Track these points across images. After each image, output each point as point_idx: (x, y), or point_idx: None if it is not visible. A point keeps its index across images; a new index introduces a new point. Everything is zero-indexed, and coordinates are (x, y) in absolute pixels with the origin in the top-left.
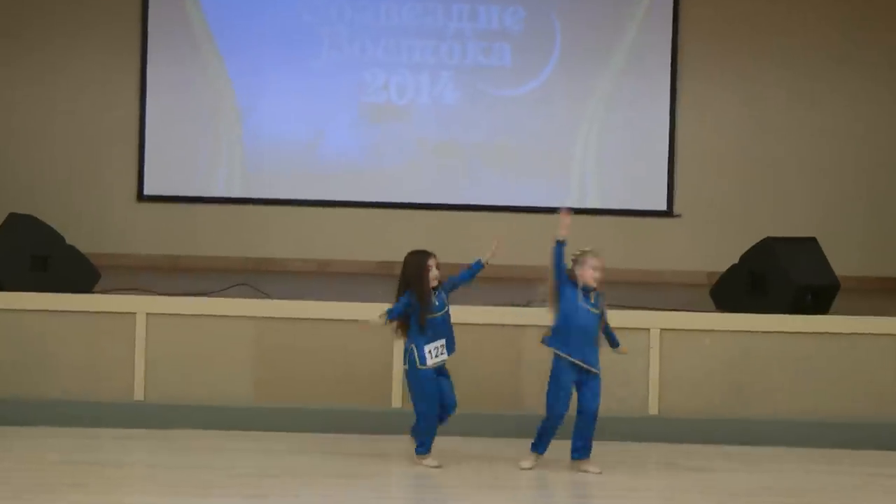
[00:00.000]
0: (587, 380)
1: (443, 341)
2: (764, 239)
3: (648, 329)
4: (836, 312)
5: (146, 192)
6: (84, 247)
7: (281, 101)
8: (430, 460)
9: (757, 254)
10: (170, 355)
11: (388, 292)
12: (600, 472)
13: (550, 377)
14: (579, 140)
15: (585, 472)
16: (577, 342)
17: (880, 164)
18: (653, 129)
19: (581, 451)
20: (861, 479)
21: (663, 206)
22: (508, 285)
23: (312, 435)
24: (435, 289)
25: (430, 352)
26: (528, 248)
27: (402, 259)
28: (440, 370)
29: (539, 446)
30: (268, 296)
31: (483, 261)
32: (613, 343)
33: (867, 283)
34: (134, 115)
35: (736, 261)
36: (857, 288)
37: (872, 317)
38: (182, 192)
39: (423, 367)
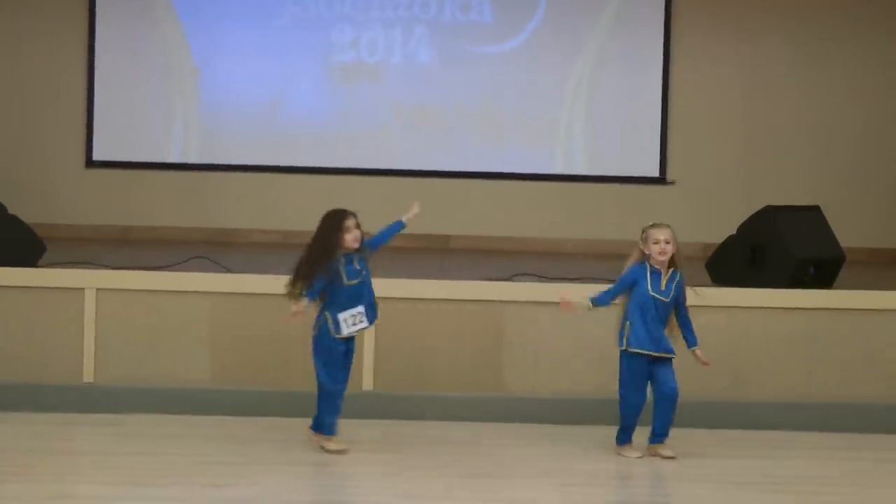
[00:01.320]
0: (662, 364)
1: (361, 309)
2: (764, 208)
3: None
4: (842, 287)
5: (95, 157)
6: (28, 217)
7: (241, 60)
8: (334, 443)
9: (756, 224)
10: (121, 334)
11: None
12: (674, 457)
13: (620, 366)
14: (566, 102)
15: (659, 456)
16: (646, 330)
17: (892, 127)
18: (645, 89)
19: (657, 437)
20: (871, 465)
21: (656, 173)
22: (489, 258)
23: (275, 419)
24: (357, 250)
25: (345, 320)
26: (509, 218)
27: (373, 231)
28: (349, 344)
29: (620, 437)
30: (227, 270)
31: (404, 220)
32: (689, 341)
33: (877, 256)
34: (81, 74)
35: (733, 231)
36: (866, 261)
37: (880, 291)
38: (134, 157)
39: (339, 337)
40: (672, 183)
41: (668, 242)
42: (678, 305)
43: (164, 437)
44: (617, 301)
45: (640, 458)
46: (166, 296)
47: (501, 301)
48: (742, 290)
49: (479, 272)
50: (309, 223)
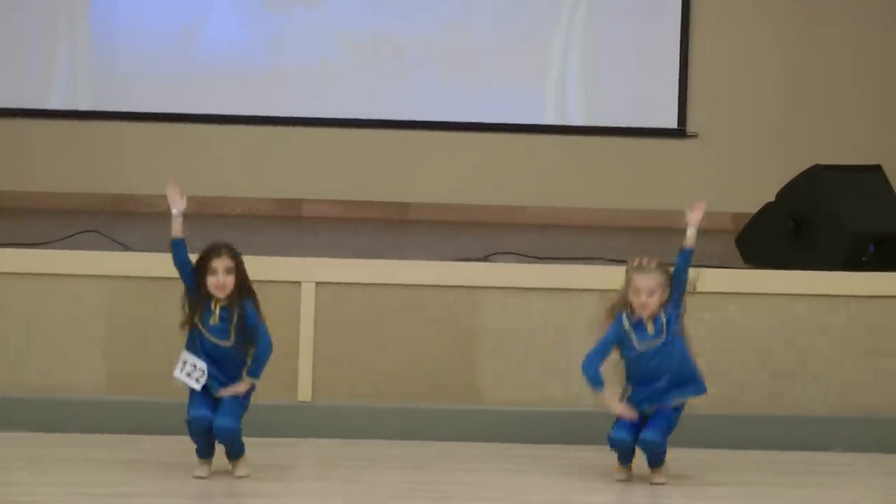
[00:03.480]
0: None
1: (204, 367)
2: (810, 168)
3: None
4: None
5: None
6: None
7: None
8: (200, 468)
9: (800, 188)
10: None
11: (292, 240)
12: (664, 483)
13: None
14: (558, 34)
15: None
16: (640, 389)
17: None
18: (658, 19)
19: (649, 462)
20: None
21: (673, 124)
22: (459, 232)
23: (187, 438)
24: (226, 306)
25: (184, 362)
26: (485, 182)
27: (312, 196)
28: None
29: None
30: (126, 247)
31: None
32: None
33: None
34: None
35: (772, 198)
36: None
37: None
38: (7, 103)
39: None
40: (694, 136)
41: (651, 294)
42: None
43: (39, 461)
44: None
45: (622, 480)
46: (47, 280)
47: (475, 287)
48: (782, 272)
49: (447, 250)
50: (229, 187)
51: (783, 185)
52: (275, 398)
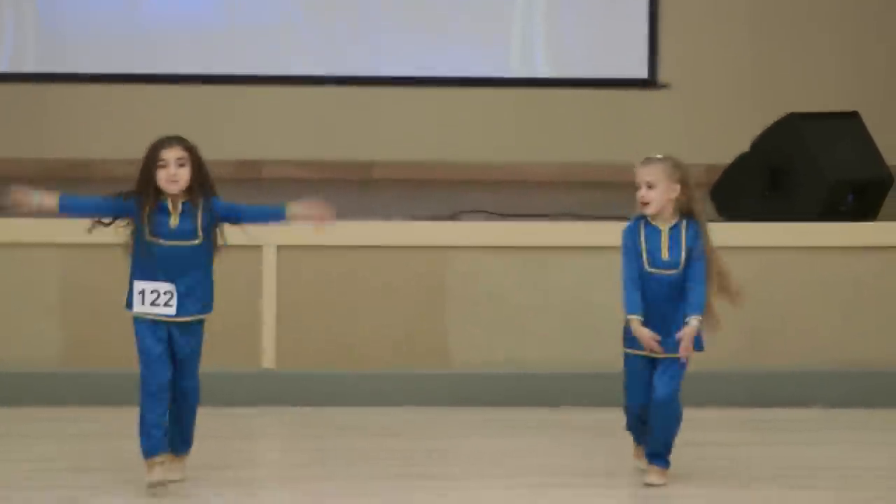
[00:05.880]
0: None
1: (170, 287)
2: (786, 116)
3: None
4: (890, 217)
5: None
6: None
7: None
8: (156, 472)
9: (776, 137)
10: None
11: (252, 203)
12: (662, 484)
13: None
14: None
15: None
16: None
17: None
18: None
19: (649, 456)
20: None
21: (644, 74)
22: (425, 190)
23: None
24: (187, 201)
25: (142, 293)
26: (451, 138)
27: (273, 157)
28: (177, 331)
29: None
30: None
31: (288, 214)
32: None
33: None
34: None
35: (746, 148)
36: None
37: None
38: None
39: (134, 315)
40: (665, 87)
41: (651, 187)
42: (689, 264)
43: None
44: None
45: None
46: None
47: (442, 247)
48: (758, 224)
49: (413, 209)
50: None
51: (758, 134)
52: (238, 366)
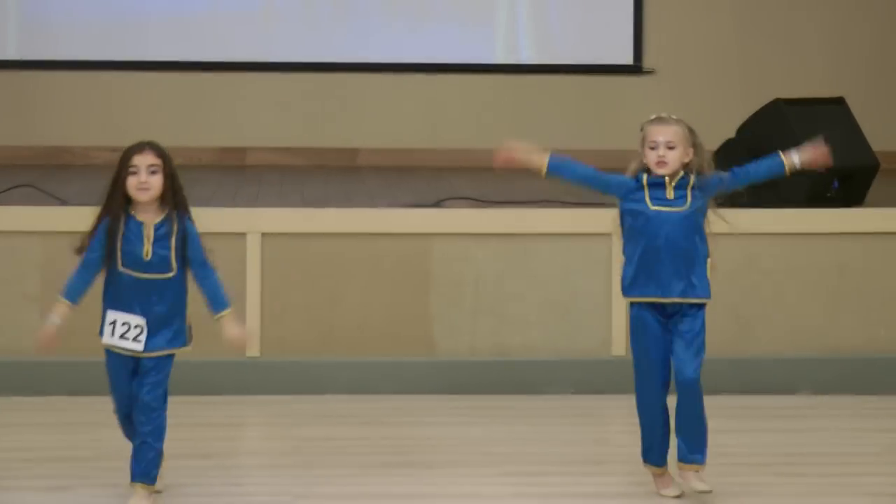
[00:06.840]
0: (679, 323)
1: (141, 321)
2: (771, 102)
3: (611, 235)
4: (876, 204)
5: None
6: None
7: None
8: (139, 496)
9: (761, 123)
10: None
11: (236, 190)
12: (709, 491)
13: (630, 331)
14: None
15: (687, 484)
16: (655, 268)
17: None
18: None
19: (681, 453)
20: None
21: (629, 60)
22: (409, 177)
23: None
24: (161, 224)
25: (113, 324)
26: (435, 125)
27: (257, 144)
28: (143, 367)
29: (647, 454)
30: (63, 201)
31: (223, 312)
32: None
33: None
34: None
35: (732, 134)
36: None
37: None
38: None
39: (103, 345)
40: (650, 72)
41: (671, 147)
42: (717, 183)
43: None
44: (582, 184)
45: (677, 497)
46: None
47: (427, 234)
48: (744, 210)
49: (397, 196)
50: (169, 136)
51: (743, 120)
52: (221, 355)
